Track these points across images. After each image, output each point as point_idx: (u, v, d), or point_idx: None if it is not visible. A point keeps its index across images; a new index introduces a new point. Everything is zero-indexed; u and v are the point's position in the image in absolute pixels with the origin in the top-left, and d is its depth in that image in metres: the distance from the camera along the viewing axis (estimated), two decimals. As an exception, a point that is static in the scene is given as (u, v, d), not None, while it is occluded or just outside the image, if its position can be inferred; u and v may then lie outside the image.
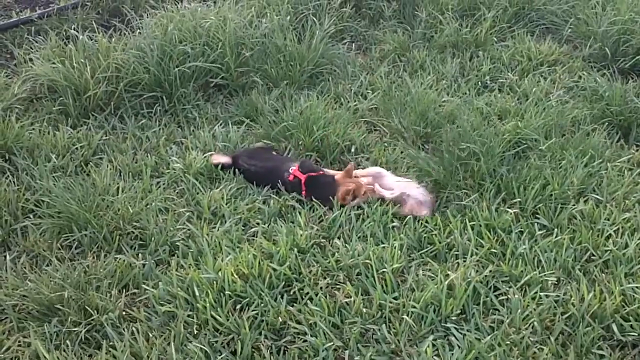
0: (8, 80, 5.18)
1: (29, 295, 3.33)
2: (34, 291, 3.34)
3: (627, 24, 5.56)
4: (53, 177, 4.22)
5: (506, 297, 3.31)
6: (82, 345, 3.14)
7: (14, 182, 4.18)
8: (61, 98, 4.92)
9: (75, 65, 5.00)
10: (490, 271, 3.44)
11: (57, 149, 4.51)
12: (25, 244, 3.76)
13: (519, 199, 3.90)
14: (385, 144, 4.63)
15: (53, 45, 5.37)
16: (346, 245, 3.66)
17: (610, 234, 3.65)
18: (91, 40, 5.34)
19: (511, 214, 3.80)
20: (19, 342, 3.14)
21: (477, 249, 3.59)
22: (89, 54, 5.14)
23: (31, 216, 3.95)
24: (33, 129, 4.65)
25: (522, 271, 3.43)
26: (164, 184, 4.23)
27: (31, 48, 5.45)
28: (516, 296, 3.28)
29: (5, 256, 3.67)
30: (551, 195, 3.92)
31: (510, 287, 3.37)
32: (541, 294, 3.30)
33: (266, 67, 5.36)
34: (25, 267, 3.59)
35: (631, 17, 5.61)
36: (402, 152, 4.52)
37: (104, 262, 3.57)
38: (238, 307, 3.27)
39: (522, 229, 3.72)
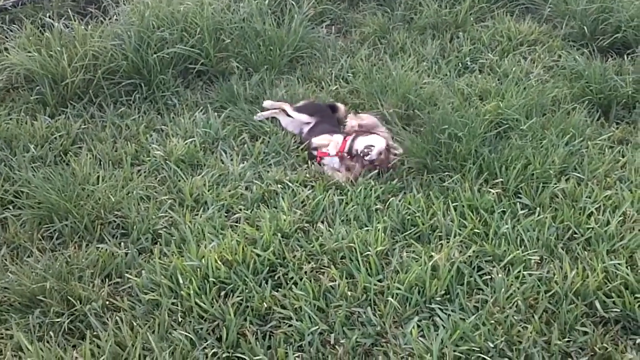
0: (-17, 70, 5.09)
1: (10, 287, 3.30)
2: (15, 283, 3.30)
3: (606, 2, 5.55)
4: (32, 167, 4.18)
5: (490, 276, 3.33)
6: (66, 336, 3.12)
7: (-9, 173, 4.12)
8: (38, 87, 4.86)
9: (52, 54, 4.93)
10: (474, 251, 3.45)
11: (36, 139, 4.46)
12: (5, 236, 3.72)
13: (501, 179, 3.91)
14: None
15: (29, 33, 5.28)
16: (330, 229, 3.65)
17: (591, 212, 3.67)
18: (67, 28, 5.27)
19: (493, 194, 3.81)
20: (1, 334, 3.11)
21: (460, 229, 3.60)
22: (66, 42, 5.07)
23: (11, 207, 3.90)
24: (10, 119, 4.59)
25: (505, 250, 3.44)
26: (145, 172, 4.19)
27: (6, 37, 5.36)
28: (500, 275, 3.30)
29: (-16, 248, 3.63)
30: (533, 174, 3.93)
31: (493, 266, 3.38)
32: (524, 272, 3.31)
33: (246, 52, 5.32)
34: (5, 259, 3.55)
35: (610, -5, 5.62)
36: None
37: (86, 251, 3.54)
38: (222, 293, 3.26)
39: (505, 209, 3.73)
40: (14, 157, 4.24)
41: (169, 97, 5.01)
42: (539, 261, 3.41)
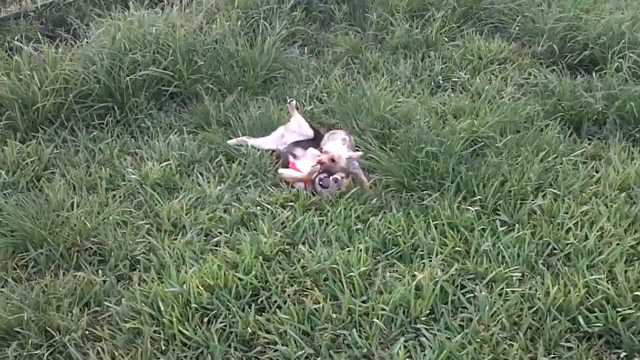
0: (-50, 95, 4.97)
1: (-16, 320, 3.20)
2: (-10, 315, 3.20)
3: (573, 21, 5.68)
4: (4, 194, 4.08)
5: (473, 294, 3.34)
6: (44, 369, 3.03)
7: (-39, 202, 4.01)
8: (8, 112, 4.75)
9: (22, 78, 4.85)
10: (456, 269, 3.46)
11: (7, 165, 4.37)
12: (-23, 266, 3.62)
13: (479, 197, 3.94)
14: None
15: (-1, 57, 5.20)
16: (311, 250, 3.63)
17: (569, 227, 3.71)
18: (37, 51, 5.19)
19: (472, 211, 3.83)
20: (-24, 371, 3.01)
21: (441, 248, 3.61)
22: (36, 65, 5.00)
23: (-18, 236, 3.79)
24: (-19, 145, 4.49)
25: (487, 268, 3.46)
26: (120, 197, 4.12)
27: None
28: (483, 293, 3.31)
29: (-44, 279, 3.52)
30: (510, 191, 3.97)
31: (476, 284, 3.39)
32: (507, 289, 3.33)
33: (219, 74, 5.30)
34: (-21, 290, 3.45)
35: (576, 14, 5.73)
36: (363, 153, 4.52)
37: (63, 280, 3.46)
38: (205, 319, 3.21)
39: (484, 226, 3.75)
40: (-16, 184, 4.14)
41: (142, 119, 4.95)
42: (521, 278, 3.43)
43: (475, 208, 3.86)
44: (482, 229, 3.74)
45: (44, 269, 3.58)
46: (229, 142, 4.56)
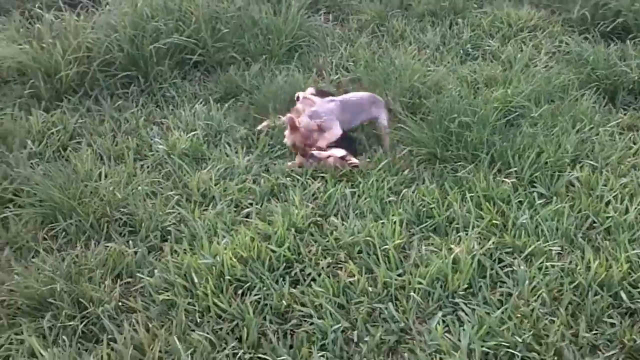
0: (-28, 64, 4.91)
1: (17, 290, 3.16)
2: (23, 285, 3.16)
3: (606, -13, 5.53)
4: (31, 164, 4.03)
5: (511, 269, 3.26)
6: (80, 339, 2.98)
7: (-13, 171, 3.96)
8: (31, 81, 4.68)
9: (44, 46, 4.77)
10: (493, 243, 3.38)
11: (32, 135, 4.30)
12: (7, 236, 3.57)
13: (515, 168, 3.84)
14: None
15: (17, 25, 5.11)
16: (344, 222, 3.56)
17: (609, 200, 3.61)
18: (57, 19, 5.10)
19: (509, 183, 3.74)
20: (12, 339, 2.97)
21: (477, 220, 3.53)
22: (57, 33, 4.90)
23: (11, 206, 3.74)
24: (4, 114, 4.42)
25: (525, 242, 3.38)
26: (148, 167, 4.06)
27: (-8, 30, 5.18)
28: (522, 267, 3.23)
29: (-14, 249, 3.48)
30: (546, 163, 3.87)
31: (514, 258, 3.31)
32: (546, 264, 3.25)
33: (243, 42, 5.19)
34: (10, 261, 3.40)
35: (609, -21, 5.57)
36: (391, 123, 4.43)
37: (94, 251, 3.41)
38: (239, 292, 3.15)
39: (521, 199, 3.66)
40: (10, 153, 4.07)
41: (166, 89, 4.88)
42: (560, 252, 3.35)
43: (511, 180, 3.77)
44: (518, 201, 3.65)
45: (74, 239, 3.53)
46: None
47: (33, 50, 4.75)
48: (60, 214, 3.61)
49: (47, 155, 4.15)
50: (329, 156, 4.00)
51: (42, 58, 4.73)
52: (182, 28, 5.09)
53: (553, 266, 3.23)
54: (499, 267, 3.28)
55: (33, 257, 3.42)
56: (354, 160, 3.97)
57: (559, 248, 3.35)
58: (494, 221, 3.51)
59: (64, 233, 3.57)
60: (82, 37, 4.86)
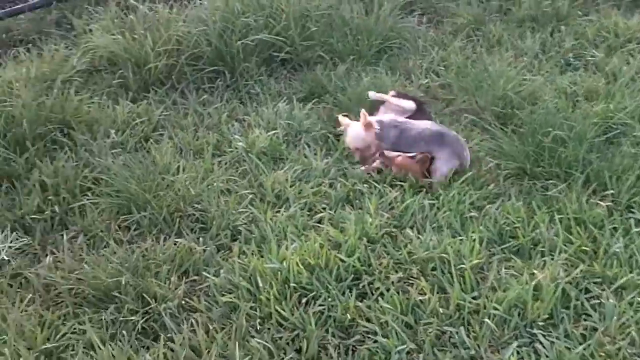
0: (68, 51, 5.03)
1: (85, 279, 3.17)
2: (91, 275, 3.17)
3: None
4: (112, 153, 4.07)
5: (599, 301, 2.99)
6: (139, 335, 2.95)
7: (72, 157, 4.02)
8: (121, 71, 4.75)
9: (136, 37, 4.83)
10: (581, 271, 3.11)
11: (117, 124, 4.34)
12: (83, 224, 3.61)
13: (612, 191, 3.54)
14: (461, 125, 4.29)
15: (113, 15, 5.21)
16: (419, 236, 3.38)
17: None
18: (151, 11, 5.16)
19: (603, 207, 3.45)
20: (74, 329, 2.98)
21: (565, 245, 3.26)
22: (150, 25, 4.96)
23: (89, 194, 3.79)
24: (92, 102, 4.49)
25: (616, 272, 3.09)
26: (225, 164, 4.01)
27: (90, 18, 5.30)
28: (610, 301, 2.95)
29: (62, 235, 3.52)
30: (648, 187, 3.55)
31: (603, 290, 3.04)
32: (639, 299, 2.96)
33: (332, 41, 5.08)
34: (82, 249, 3.44)
35: None
36: (478, 133, 4.20)
37: (164, 245, 3.38)
38: (304, 300, 3.04)
39: (616, 225, 3.36)
40: (94, 142, 4.13)
41: (252, 85, 4.83)
42: (656, 287, 3.05)
43: (607, 203, 3.47)
44: (613, 227, 3.35)
45: (146, 232, 3.52)
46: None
47: (125, 41, 4.81)
48: (135, 205, 3.61)
49: (130, 146, 4.18)
50: (398, 156, 3.83)
51: (133, 49, 4.79)
52: (272, 25, 5.04)
53: (646, 302, 2.94)
54: (585, 298, 3.01)
55: (104, 247, 3.43)
56: (421, 155, 3.82)
57: (655, 282, 3.05)
58: (583, 247, 3.24)
59: (136, 225, 3.57)
60: (172, 30, 4.88)
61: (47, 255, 3.40)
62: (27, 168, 3.94)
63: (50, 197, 3.72)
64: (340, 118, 4.06)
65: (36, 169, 3.89)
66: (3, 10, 5.63)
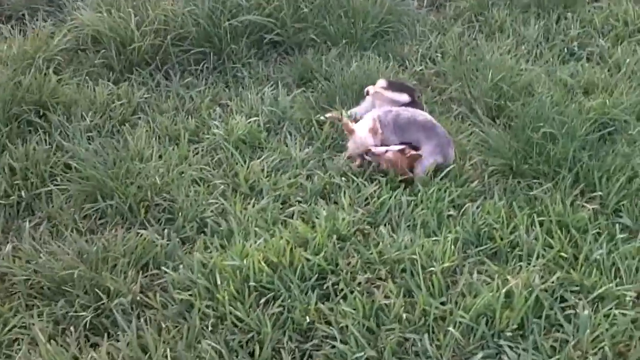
0: (55, 29, 4.90)
1: (41, 270, 3.07)
2: (47, 266, 3.07)
3: None
4: (88, 137, 3.94)
5: (574, 311, 2.81)
6: (88, 332, 2.84)
7: (45, 140, 3.91)
8: (105, 50, 4.61)
9: (122, 15, 4.68)
10: (558, 278, 2.94)
11: (95, 106, 4.21)
12: (48, 211, 3.50)
13: (600, 192, 3.35)
14: (452, 116, 4.10)
15: (103, -8, 5.06)
16: (392, 234, 3.22)
17: None
18: (142, -12, 5.00)
19: (589, 209, 3.26)
20: (23, 323, 2.87)
21: (544, 250, 3.08)
22: (138, 3, 4.80)
23: (58, 180, 3.67)
24: (72, 83, 4.36)
25: (595, 281, 2.91)
26: (202, 151, 3.87)
27: (80, -5, 5.15)
28: (586, 312, 2.77)
29: (27, 222, 3.42)
30: (638, 189, 3.34)
31: (580, 299, 2.86)
32: (616, 311, 2.77)
33: (325, 24, 4.88)
34: (44, 237, 3.33)
35: None
36: (469, 125, 4.01)
37: (125, 237, 3.25)
38: (262, 300, 2.90)
39: (600, 230, 3.18)
40: (70, 124, 4.01)
41: (239, 68, 4.67)
42: (636, 299, 2.86)
43: (593, 206, 3.29)
44: (597, 232, 3.16)
45: (110, 221, 3.40)
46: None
47: (110, 18, 4.67)
48: (101, 193, 3.49)
49: (106, 130, 4.05)
50: (387, 151, 3.65)
51: (119, 27, 4.64)
52: (263, 5, 4.85)
53: (624, 314, 2.76)
54: (560, 307, 2.84)
55: (69, 236, 3.32)
56: (413, 152, 3.62)
57: (635, 294, 2.86)
58: (563, 253, 3.05)
59: (101, 214, 3.45)
60: (160, 9, 4.73)
61: (8, 242, 3.29)
62: (-1, 150, 3.84)
63: (17, 182, 3.61)
64: (345, 120, 3.84)
65: (7, 152, 3.78)
66: (-7, -16, 5.52)
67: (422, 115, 3.81)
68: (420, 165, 3.63)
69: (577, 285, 2.92)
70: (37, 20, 5.02)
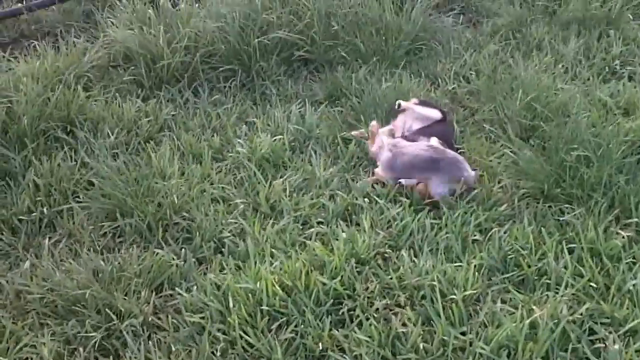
0: (88, 45, 4.95)
1: (56, 289, 3.04)
2: (62, 284, 3.04)
3: None
4: (113, 154, 3.94)
5: (603, 345, 2.64)
6: (98, 352, 2.80)
7: (71, 157, 3.92)
8: (134, 67, 4.62)
9: (152, 32, 4.69)
10: (587, 309, 2.76)
11: (123, 123, 4.21)
12: (70, 228, 3.49)
13: (636, 219, 3.16)
14: (483, 137, 3.96)
15: (137, 9, 5.09)
16: (414, 259, 3.10)
17: None
18: (176, 6, 5.03)
19: (623, 237, 3.08)
20: (34, 342, 2.84)
21: (574, 278, 2.91)
22: (168, 20, 4.81)
23: (81, 197, 3.66)
24: (100, 99, 4.38)
25: (628, 313, 2.73)
26: (225, 169, 3.82)
27: (114, 11, 5.19)
28: (616, 346, 2.60)
29: (47, 239, 3.41)
30: (678, 217, 3.15)
31: (610, 332, 2.68)
32: (650, 346, 2.60)
33: (356, 41, 4.80)
34: (63, 254, 3.31)
35: None
36: (500, 147, 3.86)
37: (140, 256, 3.21)
38: (275, 325, 2.81)
39: (635, 259, 2.99)
40: (96, 141, 4.02)
41: (267, 86, 4.62)
42: (672, 334, 2.68)
43: (628, 233, 3.10)
44: (631, 261, 2.98)
45: (128, 240, 3.37)
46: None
47: (141, 35, 4.69)
48: (121, 211, 3.47)
49: (132, 146, 4.04)
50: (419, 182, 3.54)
51: (149, 44, 4.66)
52: (294, 22, 4.81)
53: (658, 352, 2.58)
54: (588, 340, 2.67)
55: (87, 254, 3.29)
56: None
57: (671, 329, 2.68)
58: (593, 282, 2.88)
59: (119, 232, 3.42)
60: (191, 26, 4.73)
61: (27, 259, 3.28)
62: (25, 166, 3.86)
63: (40, 198, 3.62)
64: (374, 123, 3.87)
65: (32, 168, 3.80)
66: (35, 2, 5.63)
67: (421, 153, 3.65)
68: (434, 194, 3.51)
69: (607, 317, 2.75)
70: (71, 36, 5.08)
